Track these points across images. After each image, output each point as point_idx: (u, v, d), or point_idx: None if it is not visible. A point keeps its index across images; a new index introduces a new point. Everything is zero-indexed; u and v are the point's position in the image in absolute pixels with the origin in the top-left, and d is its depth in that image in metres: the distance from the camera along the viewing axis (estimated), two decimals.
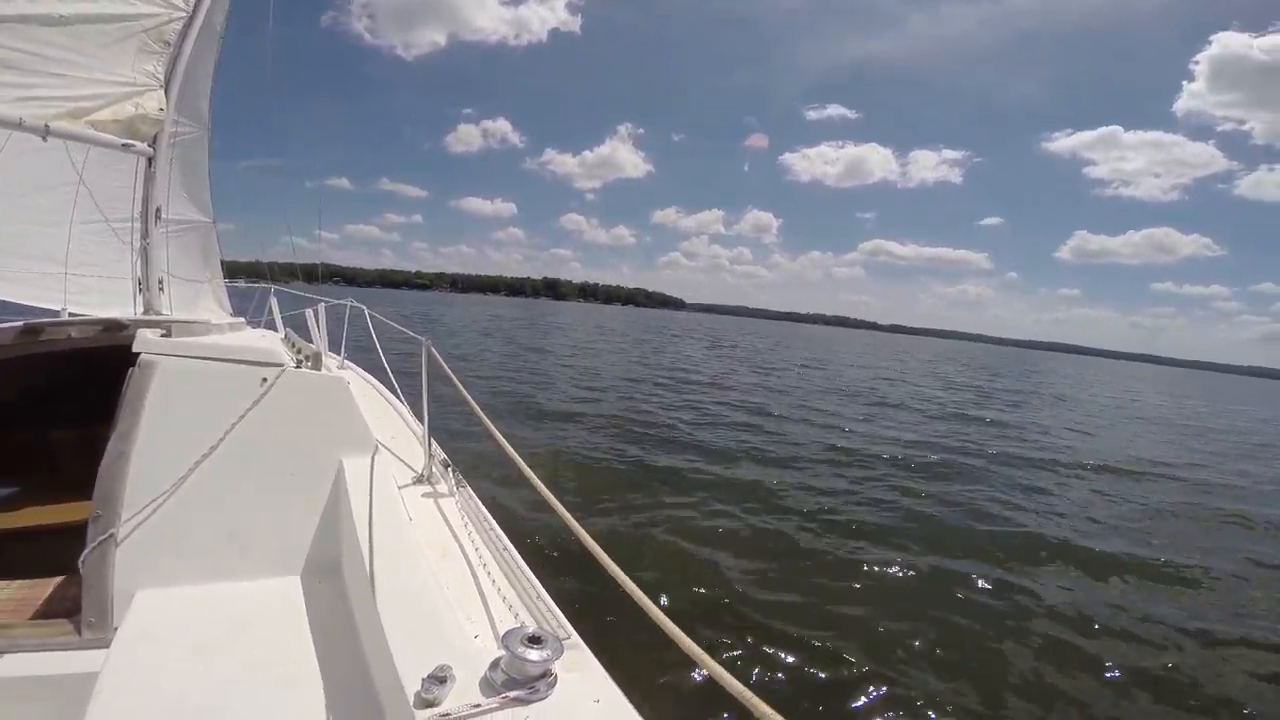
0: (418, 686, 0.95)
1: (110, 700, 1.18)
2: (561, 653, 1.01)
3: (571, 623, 1.26)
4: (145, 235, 2.39)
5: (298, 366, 1.96)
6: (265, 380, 1.82)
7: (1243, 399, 46.90)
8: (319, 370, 2.02)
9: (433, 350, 2.34)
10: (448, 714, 0.91)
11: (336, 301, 4.27)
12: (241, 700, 1.22)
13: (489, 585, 1.46)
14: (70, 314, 2.99)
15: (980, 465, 8.78)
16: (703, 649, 0.93)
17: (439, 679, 0.96)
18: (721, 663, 0.89)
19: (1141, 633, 4.19)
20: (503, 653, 1.00)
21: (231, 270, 3.94)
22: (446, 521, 1.82)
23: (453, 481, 2.09)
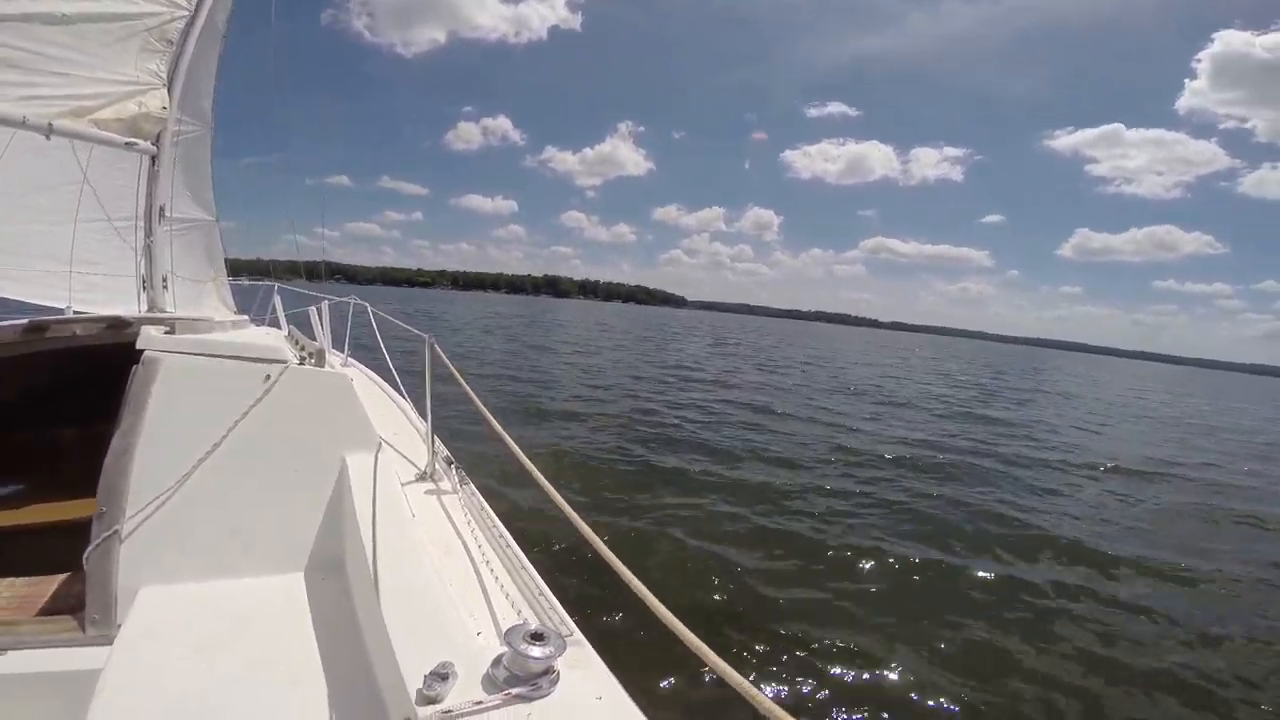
0: (420, 683, 0.95)
1: (113, 697, 1.19)
2: (564, 649, 1.01)
3: (574, 620, 1.26)
4: (149, 233, 2.40)
5: (301, 364, 1.97)
6: (269, 377, 1.82)
7: (1246, 397, 46.79)
8: (322, 367, 2.03)
9: (436, 347, 2.33)
10: (450, 711, 0.91)
11: (340, 299, 4.27)
12: (244, 697, 1.22)
13: (492, 582, 1.46)
14: (74, 312, 3.00)
15: (990, 466, 8.72)
16: (708, 646, 0.92)
17: (441, 676, 0.96)
18: (727, 660, 0.88)
19: (1161, 636, 4.17)
20: (505, 649, 1.00)
21: (234, 268, 3.95)
22: (450, 518, 1.82)
23: (456, 479, 2.09)
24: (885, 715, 3.07)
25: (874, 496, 6.59)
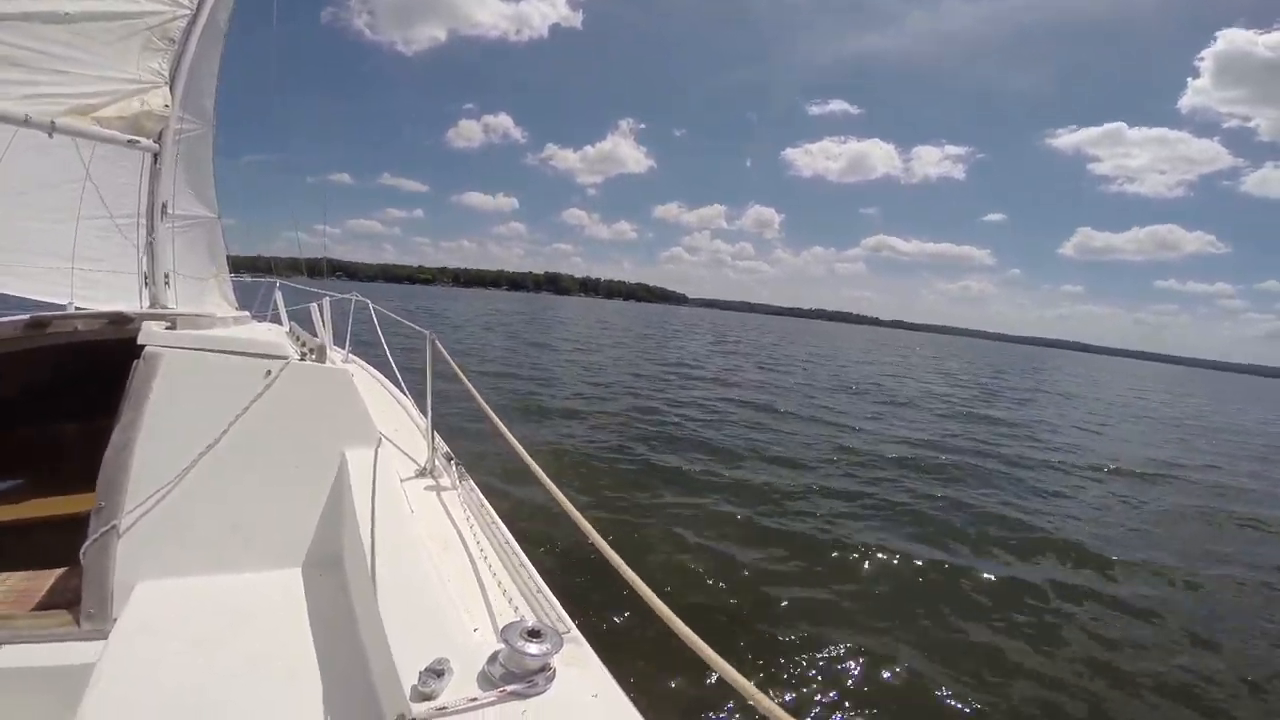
0: (415, 680, 0.95)
1: (107, 691, 1.19)
2: (561, 647, 1.01)
3: (572, 617, 1.27)
4: (151, 230, 2.41)
5: (302, 359, 1.97)
6: (269, 373, 1.83)
7: (1246, 398, 46.74)
8: (323, 363, 2.04)
9: (437, 344, 2.34)
10: (445, 707, 0.91)
11: (341, 295, 4.27)
12: (239, 693, 1.22)
13: (489, 579, 1.46)
14: (76, 308, 3.01)
15: (993, 466, 8.69)
16: (708, 645, 0.92)
17: (436, 672, 0.96)
18: (726, 660, 0.88)
19: (1164, 639, 4.18)
20: (502, 646, 0.99)
21: (234, 265, 3.95)
22: (449, 515, 1.83)
23: (455, 475, 2.10)
24: (885, 716, 3.08)
25: (876, 497, 6.58)
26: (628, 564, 1.17)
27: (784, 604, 4.01)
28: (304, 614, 1.51)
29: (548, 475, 1.62)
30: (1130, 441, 13.59)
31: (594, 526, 1.32)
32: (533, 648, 0.97)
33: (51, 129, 1.81)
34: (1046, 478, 8.56)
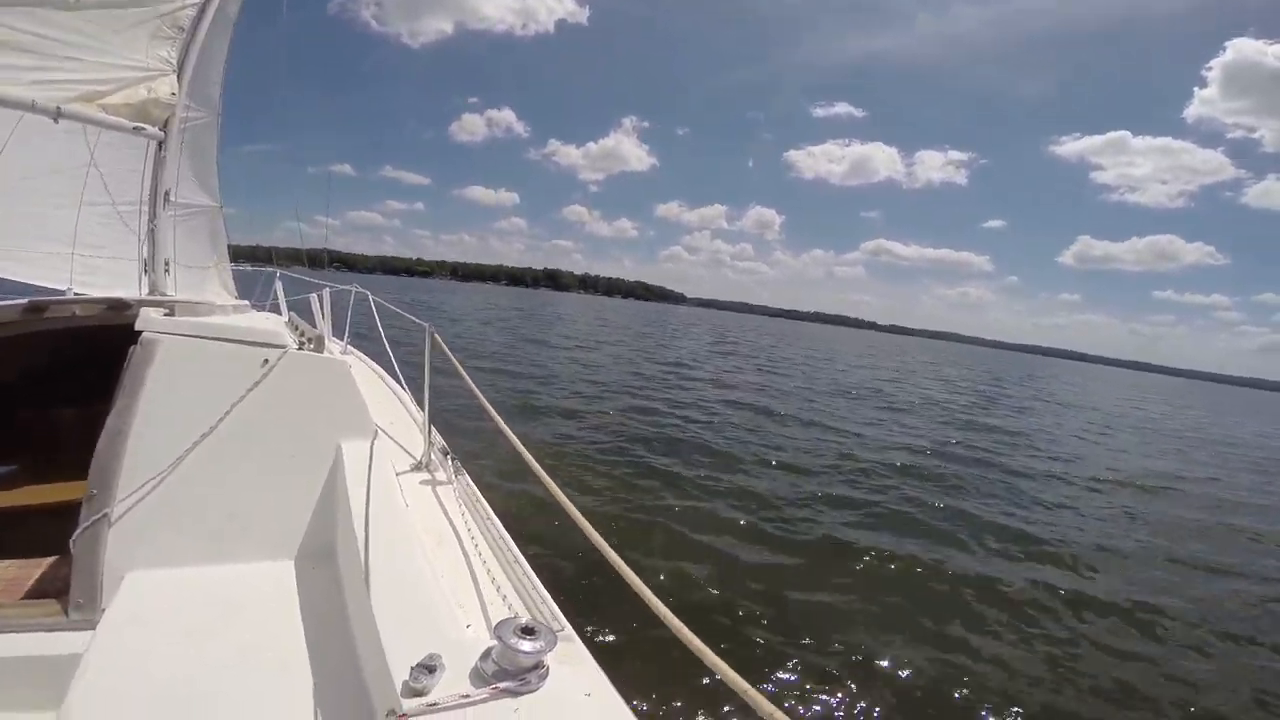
0: (406, 675, 0.94)
1: (94, 681, 1.18)
2: (554, 645, 1.00)
3: (566, 615, 1.26)
4: (153, 218, 2.41)
5: (300, 349, 1.96)
6: (267, 361, 1.82)
7: (1242, 410, 46.91)
8: (321, 353, 2.02)
9: (436, 337, 2.32)
10: (436, 703, 0.90)
11: (341, 287, 4.26)
12: (228, 685, 1.21)
13: (484, 575, 1.46)
14: (75, 294, 3.00)
15: (994, 476, 8.64)
16: (705, 644, 0.91)
17: (428, 668, 0.95)
18: (723, 659, 0.87)
19: (1170, 653, 4.16)
20: (495, 643, 0.99)
21: (234, 254, 3.95)
22: (443, 509, 1.82)
23: (451, 469, 2.10)
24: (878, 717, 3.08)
25: (877, 503, 6.54)
26: (625, 562, 1.17)
27: (783, 606, 4.00)
28: (296, 607, 1.50)
29: (545, 471, 1.61)
30: (1129, 452, 13.61)
31: (591, 524, 1.31)
32: (526, 645, 0.96)
33: (57, 114, 1.81)
34: (1048, 487, 8.53)
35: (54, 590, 1.53)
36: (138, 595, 1.47)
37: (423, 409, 2.29)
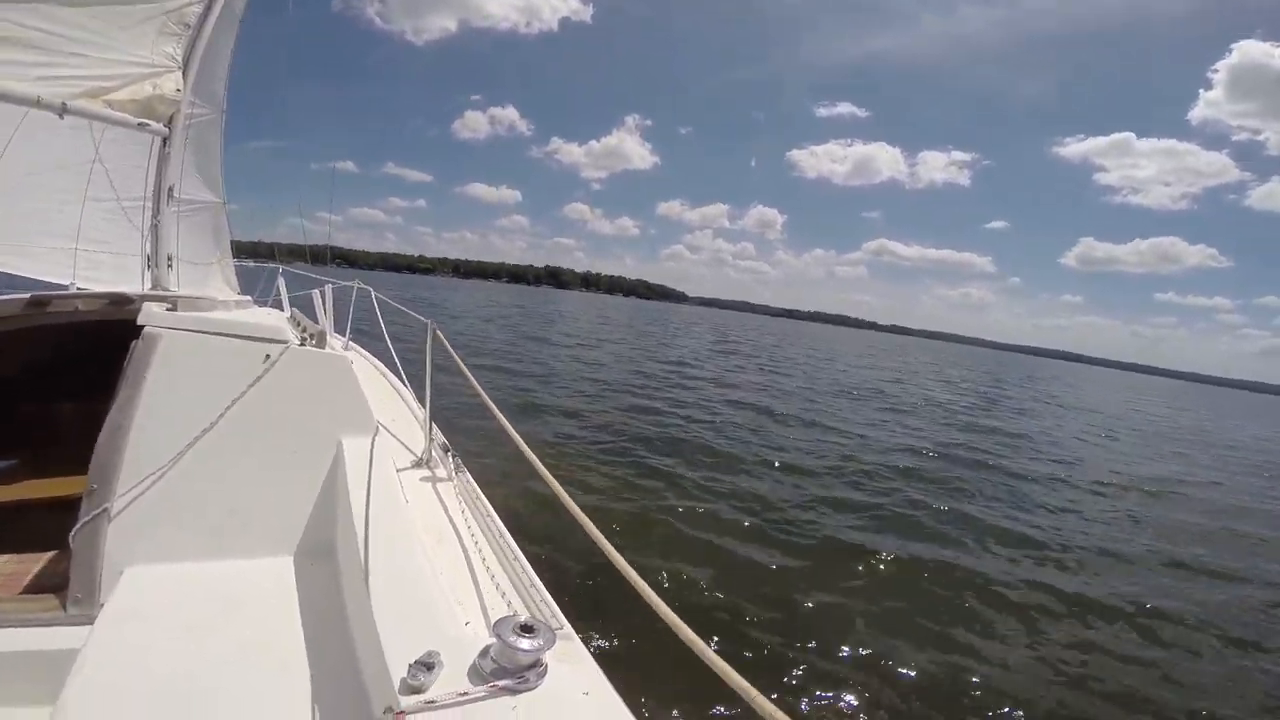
0: (404, 672, 0.94)
1: (91, 676, 1.17)
2: (553, 643, 1.00)
3: (566, 613, 1.26)
4: (157, 213, 2.41)
5: (302, 345, 1.96)
6: (269, 357, 1.82)
7: (1243, 414, 46.85)
8: (323, 349, 2.02)
9: (439, 333, 2.32)
10: (434, 701, 0.89)
11: (343, 283, 4.27)
12: (225, 681, 1.20)
13: (483, 572, 1.46)
14: (78, 288, 3.00)
15: (998, 480, 8.59)
16: (705, 644, 0.90)
17: (427, 665, 0.95)
18: (723, 659, 0.86)
19: (1179, 659, 4.15)
20: (493, 641, 0.99)
21: (235, 250, 3.96)
22: (444, 506, 1.83)
23: (452, 466, 2.10)
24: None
25: (880, 505, 6.49)
26: (626, 561, 1.16)
27: (785, 608, 4.00)
28: (294, 603, 1.49)
29: (547, 469, 1.60)
30: (1132, 455, 13.58)
31: (592, 522, 1.30)
32: (525, 643, 0.96)
33: (63, 110, 1.81)
34: (1051, 491, 8.49)
35: (53, 585, 1.53)
36: (137, 590, 1.47)
37: (424, 406, 2.29)
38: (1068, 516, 7.33)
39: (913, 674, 3.46)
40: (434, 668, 0.95)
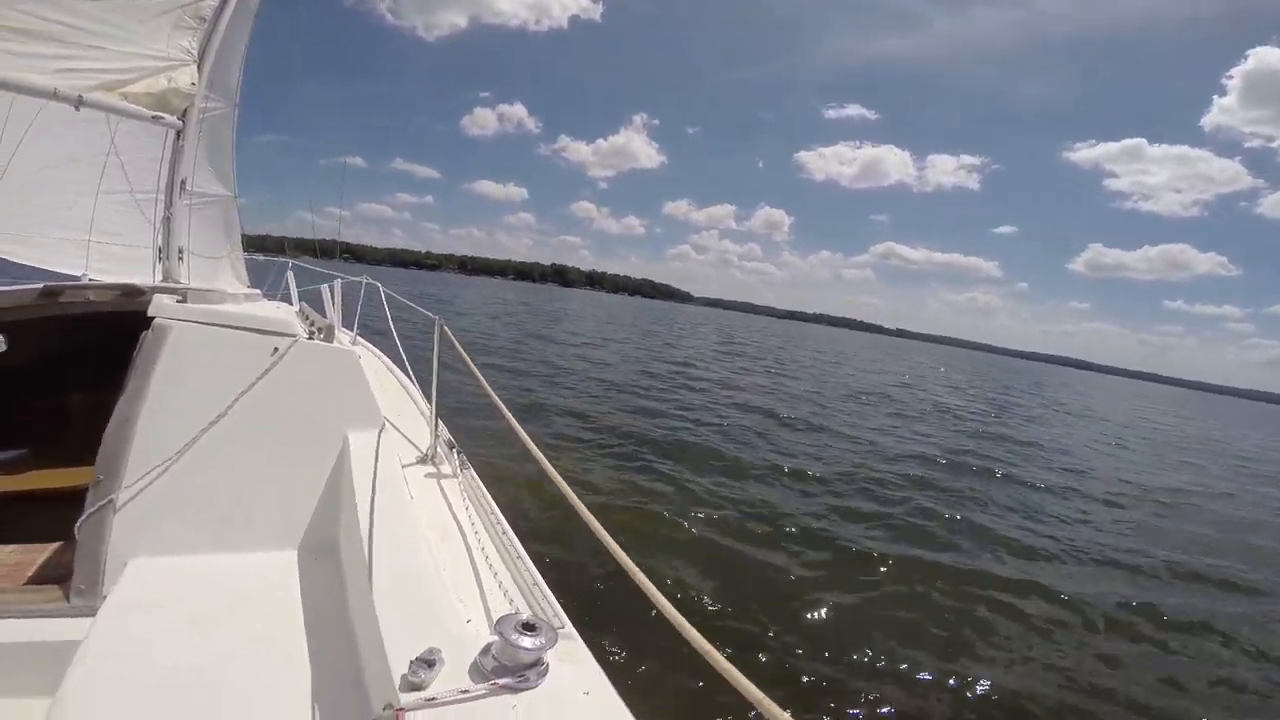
0: (405, 669, 0.93)
1: (92, 668, 1.17)
2: (555, 642, 1.00)
3: (568, 612, 1.25)
4: (169, 206, 2.43)
5: (310, 338, 1.96)
6: (277, 350, 1.82)
7: (1248, 423, 46.48)
8: (331, 343, 2.03)
9: (446, 330, 2.32)
10: (434, 698, 0.89)
11: (353, 278, 4.28)
12: (224, 675, 1.20)
13: (486, 570, 1.45)
14: (90, 280, 3.02)
15: (1010, 489, 8.49)
16: (710, 645, 0.90)
17: (428, 662, 0.95)
18: (728, 661, 0.86)
19: (1200, 672, 4.11)
20: (495, 639, 0.99)
21: (244, 244, 3.99)
22: (448, 503, 1.82)
23: (457, 462, 2.09)
24: None
25: (891, 515, 6.37)
26: (632, 561, 1.15)
27: (793, 614, 3.97)
28: (297, 597, 1.49)
29: (553, 468, 1.60)
30: (1143, 464, 13.47)
31: (596, 519, 1.30)
32: (526, 641, 0.96)
33: (79, 103, 1.83)
34: (1064, 501, 8.39)
35: (57, 576, 1.53)
36: (140, 582, 1.47)
37: (430, 402, 2.29)
38: (1081, 528, 7.25)
39: (922, 683, 3.43)
40: (435, 665, 0.95)
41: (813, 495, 6.70)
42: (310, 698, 1.17)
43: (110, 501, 1.53)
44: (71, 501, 1.63)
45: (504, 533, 1.65)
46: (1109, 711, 3.46)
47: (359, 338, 3.70)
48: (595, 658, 1.09)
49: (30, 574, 1.62)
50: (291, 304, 3.71)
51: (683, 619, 0.95)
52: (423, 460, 2.11)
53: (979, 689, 3.46)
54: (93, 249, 3.23)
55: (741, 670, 0.82)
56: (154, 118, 2.09)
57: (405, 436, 2.26)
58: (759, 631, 3.69)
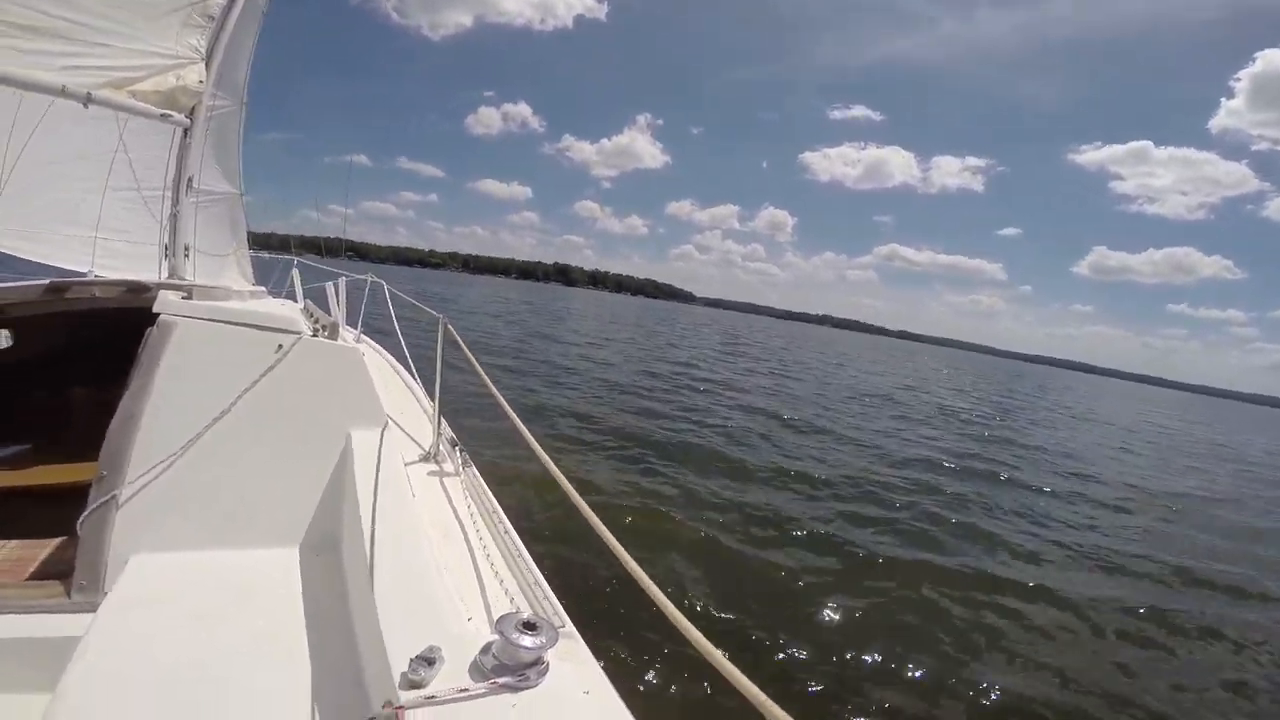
0: (405, 667, 0.93)
1: (93, 663, 1.17)
2: (555, 641, 1.00)
3: (569, 611, 1.25)
4: (175, 203, 2.44)
5: (314, 336, 1.96)
6: (281, 347, 1.82)
7: (1251, 428, 46.27)
8: (335, 340, 2.02)
9: (450, 328, 2.32)
10: (433, 696, 0.89)
11: (358, 276, 4.29)
12: (223, 671, 1.20)
13: (487, 568, 1.45)
14: (96, 276, 3.03)
15: (1018, 493, 8.42)
16: (714, 646, 0.89)
17: (428, 660, 0.95)
18: (731, 663, 0.85)
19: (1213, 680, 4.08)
20: (495, 637, 0.98)
21: (250, 241, 4.00)
22: (450, 501, 1.82)
23: (459, 461, 2.09)
24: None
25: (898, 521, 6.31)
26: (635, 561, 1.14)
27: (798, 617, 3.95)
28: (298, 594, 1.49)
29: (556, 467, 1.59)
30: (1149, 469, 13.40)
31: (601, 520, 1.29)
32: (527, 640, 0.96)
33: (87, 100, 1.84)
34: (1072, 506, 8.34)
35: (58, 572, 1.53)
36: (141, 579, 1.46)
37: (433, 400, 2.29)
38: (1089, 533, 7.20)
39: (929, 689, 3.41)
40: (435, 663, 0.95)
41: (817, 499, 6.66)
42: (310, 695, 1.17)
43: (113, 497, 1.53)
44: (74, 497, 1.63)
45: (506, 531, 1.65)
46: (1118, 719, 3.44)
47: (363, 335, 3.71)
48: (596, 658, 1.09)
49: (32, 570, 1.62)
50: (296, 301, 3.72)
51: (685, 620, 0.94)
52: (425, 458, 2.12)
53: (988, 696, 3.44)
54: (99, 246, 3.24)
55: (744, 672, 0.81)
56: (162, 116, 2.09)
57: (408, 434, 2.26)
58: (762, 634, 3.68)
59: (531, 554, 1.53)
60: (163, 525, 1.58)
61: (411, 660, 0.94)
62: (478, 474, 2.04)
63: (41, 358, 2.60)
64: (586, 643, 1.13)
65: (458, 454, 2.13)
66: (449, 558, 1.47)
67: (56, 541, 1.74)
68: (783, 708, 0.75)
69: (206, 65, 2.21)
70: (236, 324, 1.82)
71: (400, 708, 0.87)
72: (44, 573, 1.60)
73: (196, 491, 1.64)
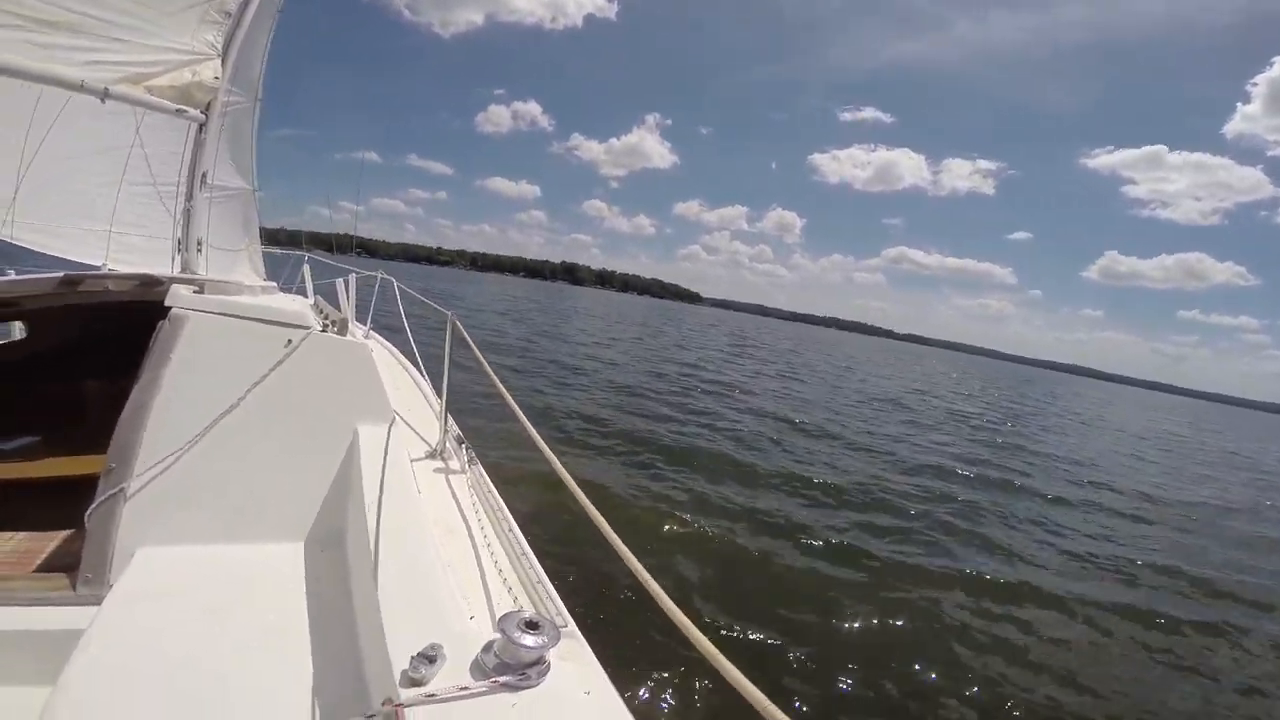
0: (406, 664, 0.93)
1: (95, 656, 1.17)
2: (557, 640, 0.99)
3: (571, 611, 1.25)
4: (189, 198, 2.46)
5: (323, 331, 1.97)
6: (290, 342, 1.83)
7: (1265, 436, 45.72)
8: (344, 336, 2.03)
9: (459, 325, 2.33)
10: (434, 694, 0.89)
11: (367, 272, 4.32)
12: (225, 666, 1.20)
13: (490, 566, 1.45)
14: (109, 269, 3.06)
15: (1031, 502, 8.36)
16: (715, 647, 0.87)
17: (429, 658, 0.94)
18: (731, 664, 0.84)
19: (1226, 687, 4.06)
20: (497, 636, 0.98)
21: (261, 237, 4.03)
22: (455, 498, 1.83)
23: (465, 458, 2.10)
24: None
25: (911, 529, 6.25)
26: (640, 563, 1.12)
27: (803, 622, 3.94)
28: (302, 590, 1.49)
29: (562, 466, 1.59)
30: (1163, 477, 13.26)
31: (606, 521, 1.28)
32: (528, 639, 0.95)
33: (105, 95, 1.85)
34: (1087, 515, 8.28)
35: (64, 564, 1.54)
36: (147, 572, 1.47)
37: (440, 397, 2.30)
38: (1105, 544, 7.13)
39: (939, 698, 3.39)
40: (436, 661, 0.95)
41: (827, 505, 6.60)
42: (311, 691, 1.17)
43: (121, 490, 1.54)
44: (82, 489, 1.64)
45: (510, 530, 1.65)
46: None
47: (372, 332, 3.72)
48: (598, 658, 1.08)
49: (38, 562, 1.63)
50: (307, 297, 3.74)
51: (688, 621, 0.93)
52: (432, 455, 2.13)
53: (1000, 705, 3.42)
54: (114, 240, 3.27)
55: (747, 676, 0.80)
56: (178, 111, 2.11)
57: (415, 431, 2.27)
58: (766, 639, 3.66)
59: (535, 552, 1.53)
60: (170, 518, 1.59)
61: (413, 658, 0.94)
62: (483, 472, 2.05)
63: (55, 350, 2.62)
64: (589, 643, 1.13)
65: (464, 451, 2.14)
66: (453, 555, 1.48)
67: (64, 534, 1.75)
68: (785, 712, 0.74)
69: (222, 61, 2.23)
70: (247, 318, 1.83)
71: (400, 705, 0.87)
72: (50, 565, 1.61)
73: (205, 485, 1.65)
